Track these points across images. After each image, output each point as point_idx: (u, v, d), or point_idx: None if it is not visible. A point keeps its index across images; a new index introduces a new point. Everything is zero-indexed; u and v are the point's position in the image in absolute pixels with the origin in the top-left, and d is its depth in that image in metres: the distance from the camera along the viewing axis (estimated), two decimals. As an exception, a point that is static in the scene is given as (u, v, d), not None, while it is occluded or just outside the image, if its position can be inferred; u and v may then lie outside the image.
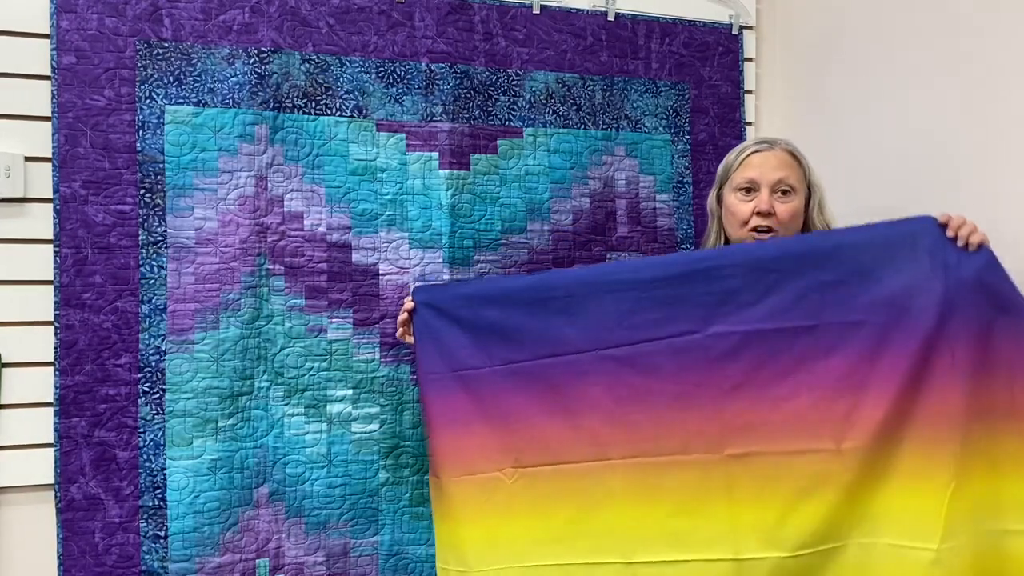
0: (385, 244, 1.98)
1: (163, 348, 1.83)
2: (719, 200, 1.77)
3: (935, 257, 1.44)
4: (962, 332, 1.42)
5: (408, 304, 1.75)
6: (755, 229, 1.66)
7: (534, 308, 1.63)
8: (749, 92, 2.34)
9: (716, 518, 1.51)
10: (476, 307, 1.68)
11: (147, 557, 1.81)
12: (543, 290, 1.65)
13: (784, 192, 1.67)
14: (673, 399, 1.54)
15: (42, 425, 1.78)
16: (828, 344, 1.48)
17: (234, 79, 1.87)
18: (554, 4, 2.13)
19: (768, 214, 1.65)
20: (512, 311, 1.65)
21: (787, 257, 1.52)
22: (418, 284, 1.92)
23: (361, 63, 1.97)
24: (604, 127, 2.15)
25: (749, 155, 1.71)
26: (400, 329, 1.79)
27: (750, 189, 1.68)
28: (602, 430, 1.57)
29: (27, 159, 1.78)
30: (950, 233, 1.43)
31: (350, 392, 1.95)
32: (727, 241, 1.75)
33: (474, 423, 1.65)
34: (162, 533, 1.82)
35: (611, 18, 2.18)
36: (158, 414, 1.82)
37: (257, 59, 1.89)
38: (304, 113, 1.93)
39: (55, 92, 1.77)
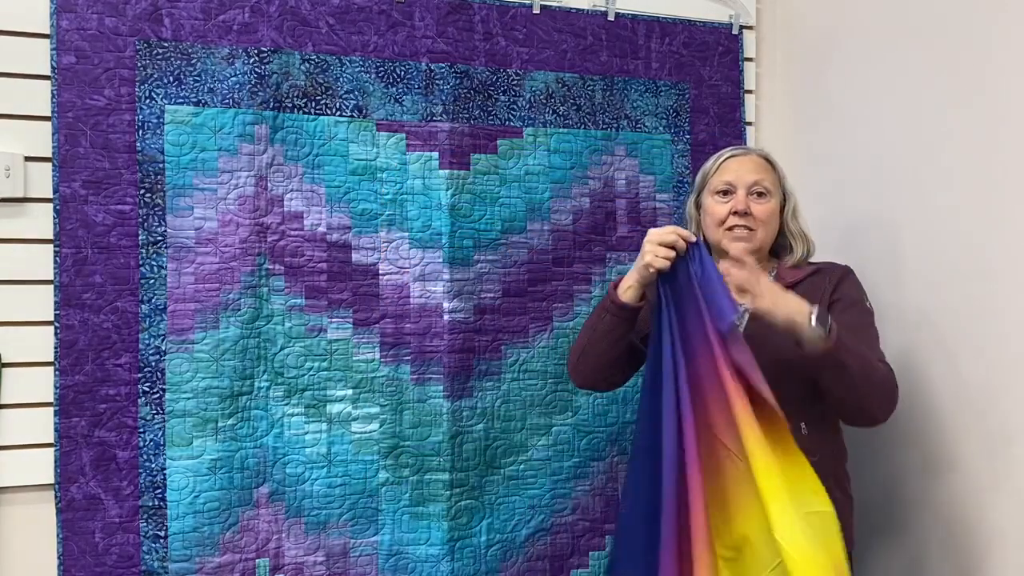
0: (385, 244, 1.97)
1: (163, 348, 1.83)
2: (697, 206, 1.80)
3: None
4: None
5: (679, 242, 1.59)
6: (732, 229, 1.69)
7: None
8: (749, 92, 2.33)
9: None
10: None
11: (147, 557, 1.81)
12: None
13: (760, 194, 1.70)
14: None
15: (42, 425, 1.78)
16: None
17: (234, 79, 1.87)
18: (554, 4, 2.13)
19: (745, 214, 1.68)
20: None
21: None
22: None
23: (361, 63, 1.97)
24: (604, 127, 2.15)
25: (725, 160, 1.75)
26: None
27: (727, 191, 1.71)
28: None
29: (27, 159, 1.78)
30: None
31: (350, 392, 1.95)
32: (707, 244, 1.75)
33: None
34: (162, 533, 1.82)
35: (611, 18, 2.17)
36: (158, 414, 1.82)
37: (257, 59, 1.89)
38: (304, 113, 1.93)
39: (55, 92, 1.77)
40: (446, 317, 1.99)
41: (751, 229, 1.68)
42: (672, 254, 1.57)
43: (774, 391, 1.45)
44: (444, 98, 2.02)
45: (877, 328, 1.66)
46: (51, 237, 1.78)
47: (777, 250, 1.77)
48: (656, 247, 1.57)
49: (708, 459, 1.47)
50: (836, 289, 1.67)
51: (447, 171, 2.00)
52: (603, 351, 1.71)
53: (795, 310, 1.47)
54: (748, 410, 1.42)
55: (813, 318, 1.45)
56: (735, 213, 1.68)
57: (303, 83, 1.93)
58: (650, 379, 1.62)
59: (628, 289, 1.64)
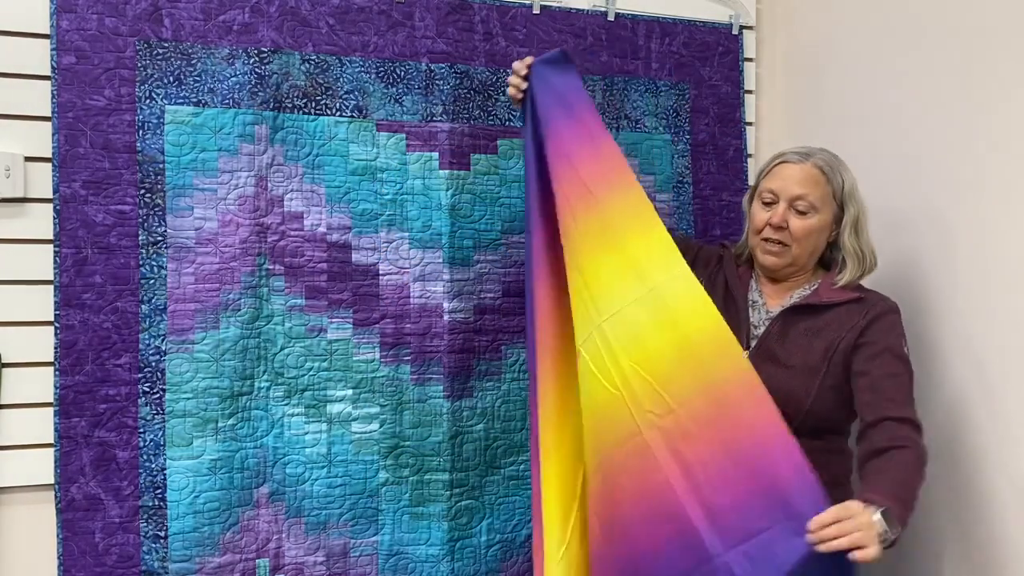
0: (385, 244, 1.98)
1: (163, 348, 1.83)
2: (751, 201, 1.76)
3: None
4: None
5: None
6: (766, 240, 1.67)
7: None
8: (749, 92, 2.34)
9: None
10: None
11: (147, 557, 1.81)
12: None
13: (801, 211, 1.63)
14: None
15: (42, 425, 1.78)
16: None
17: (234, 79, 1.87)
18: (554, 4, 2.13)
19: (779, 228, 1.64)
20: None
21: None
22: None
23: (361, 63, 1.97)
24: (604, 127, 2.15)
25: (778, 164, 1.68)
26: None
27: (771, 202, 1.66)
28: None
29: (27, 159, 1.78)
30: None
31: (350, 392, 1.95)
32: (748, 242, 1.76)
33: None
34: (162, 533, 1.82)
35: (611, 18, 2.17)
36: (158, 414, 1.82)
37: (257, 59, 1.89)
38: (304, 113, 1.93)
39: (55, 92, 1.77)
40: (446, 317, 1.99)
41: (785, 244, 1.64)
42: (516, 80, 1.74)
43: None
44: (444, 98, 2.02)
45: (912, 371, 1.57)
46: (51, 237, 1.78)
47: (829, 262, 1.71)
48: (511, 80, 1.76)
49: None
50: (866, 331, 1.58)
51: (447, 171, 2.00)
52: None
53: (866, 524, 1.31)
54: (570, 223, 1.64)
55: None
56: (770, 225, 1.64)
57: (303, 83, 1.93)
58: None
59: None
